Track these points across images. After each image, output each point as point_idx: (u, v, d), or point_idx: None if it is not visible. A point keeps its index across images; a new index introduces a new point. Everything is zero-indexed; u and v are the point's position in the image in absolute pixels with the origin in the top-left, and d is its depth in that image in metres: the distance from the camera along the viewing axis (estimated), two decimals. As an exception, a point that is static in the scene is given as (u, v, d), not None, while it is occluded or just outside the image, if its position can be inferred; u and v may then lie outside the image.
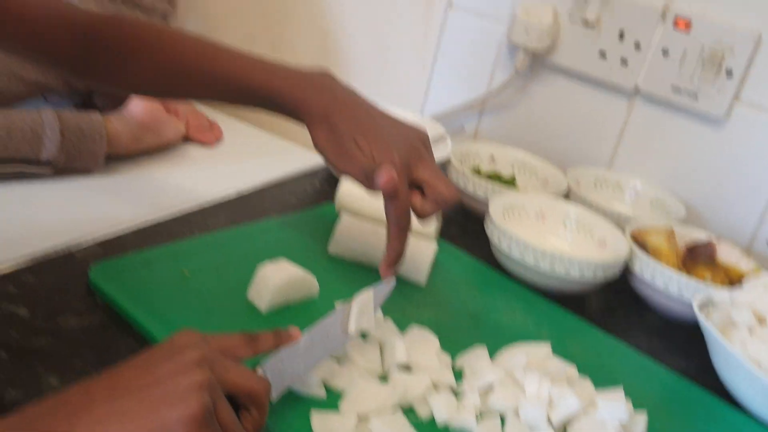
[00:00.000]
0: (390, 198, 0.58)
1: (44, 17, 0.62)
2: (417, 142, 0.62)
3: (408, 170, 0.60)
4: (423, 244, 0.71)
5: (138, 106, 0.99)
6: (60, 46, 0.63)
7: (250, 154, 1.14)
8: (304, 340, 0.50)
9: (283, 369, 0.48)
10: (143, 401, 0.37)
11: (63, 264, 0.62)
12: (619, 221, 0.84)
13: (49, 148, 0.89)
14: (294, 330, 0.51)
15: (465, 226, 0.87)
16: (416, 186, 0.61)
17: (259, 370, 0.46)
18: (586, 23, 0.96)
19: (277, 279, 0.59)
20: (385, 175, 0.57)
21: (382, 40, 1.17)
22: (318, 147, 0.61)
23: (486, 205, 0.80)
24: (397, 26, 1.15)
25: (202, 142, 1.10)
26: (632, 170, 1.00)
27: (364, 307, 0.54)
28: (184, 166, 1.05)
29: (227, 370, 0.42)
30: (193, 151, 1.09)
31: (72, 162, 0.92)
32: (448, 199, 0.60)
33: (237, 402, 0.43)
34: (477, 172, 0.95)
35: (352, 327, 0.53)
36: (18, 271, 0.59)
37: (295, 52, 1.28)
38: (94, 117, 0.93)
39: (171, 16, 1.09)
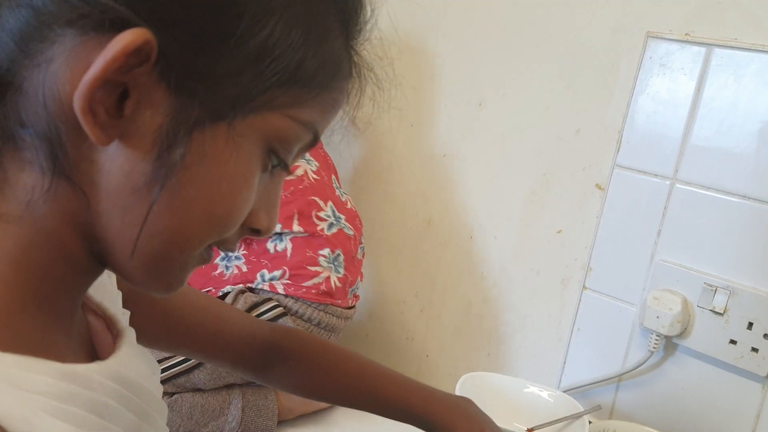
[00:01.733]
0: None
1: (239, 334, 0.73)
2: None
3: None
4: None
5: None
6: (244, 357, 0.74)
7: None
8: None
9: None
10: None
11: None
12: None
13: (231, 423, 1.04)
14: None
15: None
16: None
17: None
18: (715, 312, 1.04)
19: None
20: None
21: (520, 313, 1.29)
22: None
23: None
24: (535, 301, 1.27)
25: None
26: (774, 456, 1.01)
27: None
28: (344, 423, 1.17)
29: None
30: (344, 413, 1.21)
31: None
32: None
33: None
34: (614, 450, 1.00)
35: None
36: None
37: (441, 319, 1.41)
38: (270, 395, 1.09)
39: (342, 331, 1.26)
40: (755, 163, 1.02)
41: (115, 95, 0.37)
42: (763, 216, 1.02)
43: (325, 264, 1.16)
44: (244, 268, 1.16)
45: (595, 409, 1.07)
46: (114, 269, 0.45)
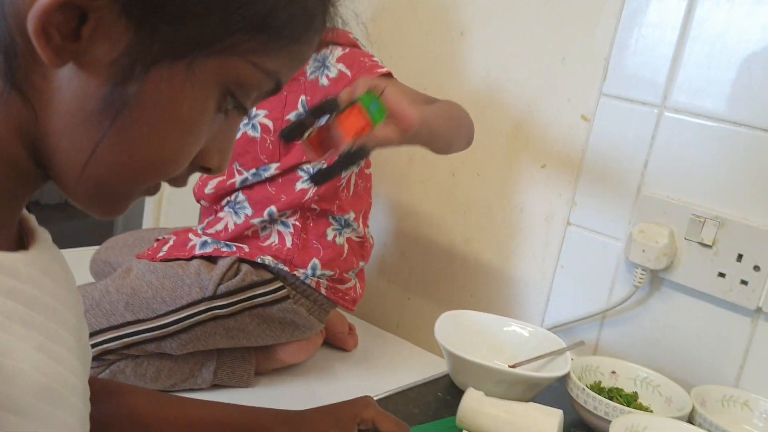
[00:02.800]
0: None
1: None
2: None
3: None
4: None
5: (289, 353, 1.10)
6: None
7: (380, 359, 1.21)
8: None
9: None
10: None
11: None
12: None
13: (201, 385, 1.02)
14: None
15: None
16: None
17: None
18: (703, 244, 1.00)
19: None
20: None
21: (503, 253, 1.25)
22: None
23: (607, 422, 0.81)
24: (518, 239, 1.23)
25: (342, 348, 1.19)
26: (762, 389, 0.98)
27: None
28: (323, 371, 1.14)
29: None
30: (332, 355, 1.18)
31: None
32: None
33: None
34: (598, 387, 0.96)
35: None
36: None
37: (423, 261, 1.37)
38: (248, 357, 1.06)
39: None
40: (747, 86, 0.97)
41: (74, 18, 0.37)
42: (755, 142, 0.97)
43: (351, 275, 1.11)
44: (288, 241, 1.05)
45: (578, 345, 1.04)
46: (59, 185, 0.45)
